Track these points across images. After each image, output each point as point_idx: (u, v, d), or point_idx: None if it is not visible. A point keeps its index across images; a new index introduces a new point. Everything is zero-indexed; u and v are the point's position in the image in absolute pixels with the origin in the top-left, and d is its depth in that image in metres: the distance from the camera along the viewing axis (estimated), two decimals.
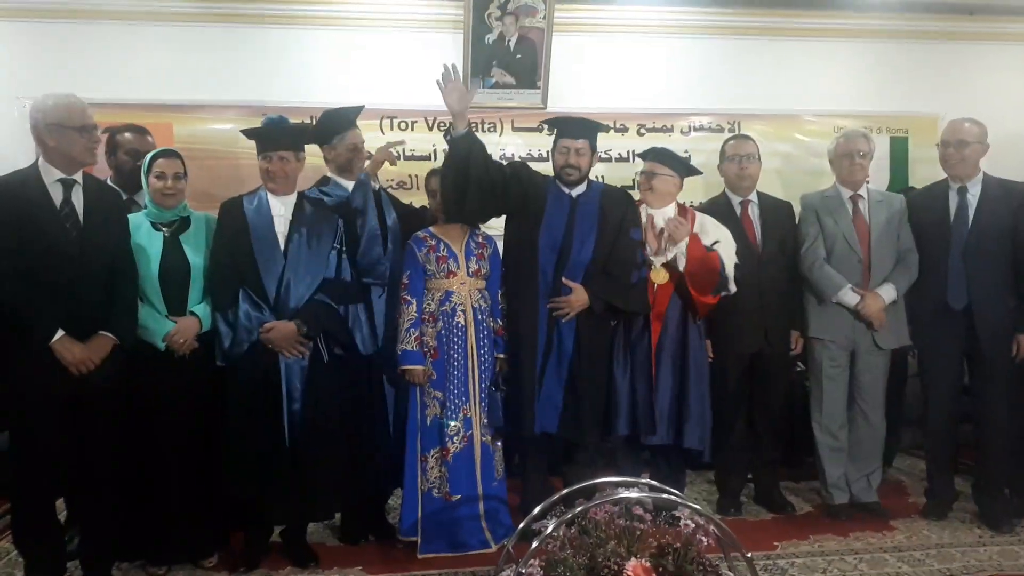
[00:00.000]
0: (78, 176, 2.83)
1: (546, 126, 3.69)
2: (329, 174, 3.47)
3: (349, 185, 3.43)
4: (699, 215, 3.60)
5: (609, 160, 4.86)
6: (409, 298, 3.30)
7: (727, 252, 3.48)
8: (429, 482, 3.26)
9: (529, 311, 3.35)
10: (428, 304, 3.33)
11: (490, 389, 3.35)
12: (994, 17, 5.22)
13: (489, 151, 3.38)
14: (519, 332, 3.37)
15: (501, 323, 3.42)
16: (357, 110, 3.48)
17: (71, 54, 4.51)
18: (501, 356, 3.40)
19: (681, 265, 3.40)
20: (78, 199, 2.81)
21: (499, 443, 3.40)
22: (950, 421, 3.68)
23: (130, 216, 3.09)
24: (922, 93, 5.17)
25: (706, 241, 3.45)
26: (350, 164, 3.43)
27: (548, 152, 4.83)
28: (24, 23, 4.54)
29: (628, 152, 4.88)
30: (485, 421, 3.33)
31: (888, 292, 3.62)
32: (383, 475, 3.39)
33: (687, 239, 3.41)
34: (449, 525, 3.26)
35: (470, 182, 3.24)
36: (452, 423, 3.26)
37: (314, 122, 4.46)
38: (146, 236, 3.07)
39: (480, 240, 3.44)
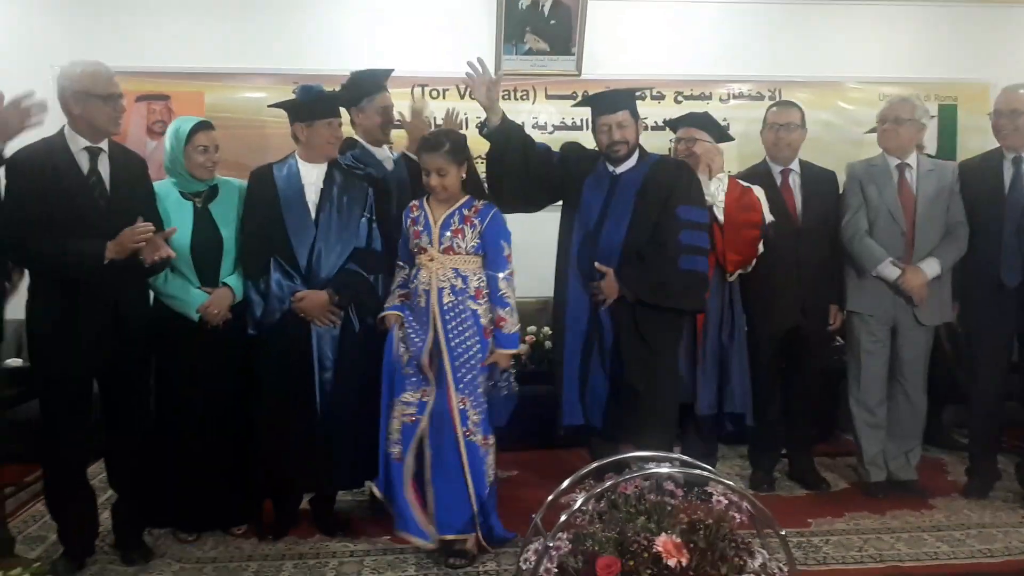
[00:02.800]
0: (104, 144, 2.82)
1: (583, 105, 3.38)
2: (357, 138, 3.41)
3: (377, 152, 3.38)
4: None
5: (645, 128, 4.75)
6: (401, 263, 3.16)
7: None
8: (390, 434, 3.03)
9: (559, 298, 3.25)
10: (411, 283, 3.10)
11: (488, 388, 3.02)
12: None
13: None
14: (555, 320, 3.28)
15: (502, 312, 3.02)
16: (386, 72, 3.41)
17: (102, 22, 4.52)
18: (503, 351, 3.02)
19: (720, 199, 3.29)
20: (104, 167, 2.80)
21: (490, 445, 3.04)
22: (996, 400, 3.57)
23: (156, 184, 3.08)
24: (972, 59, 5.00)
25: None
26: (379, 129, 3.38)
27: (582, 121, 4.80)
28: None
29: (664, 121, 4.77)
30: (475, 419, 2.99)
31: (931, 267, 3.50)
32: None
33: (726, 177, 3.34)
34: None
35: (505, 173, 3.16)
36: (407, 393, 3.00)
37: None
38: (175, 207, 3.06)
39: (468, 213, 3.03)
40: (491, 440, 3.05)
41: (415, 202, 3.13)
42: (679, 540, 1.89)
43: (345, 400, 3.10)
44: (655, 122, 4.79)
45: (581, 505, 1.98)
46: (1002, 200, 3.45)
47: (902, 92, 4.29)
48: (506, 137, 3.16)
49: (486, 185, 3.22)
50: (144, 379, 3.00)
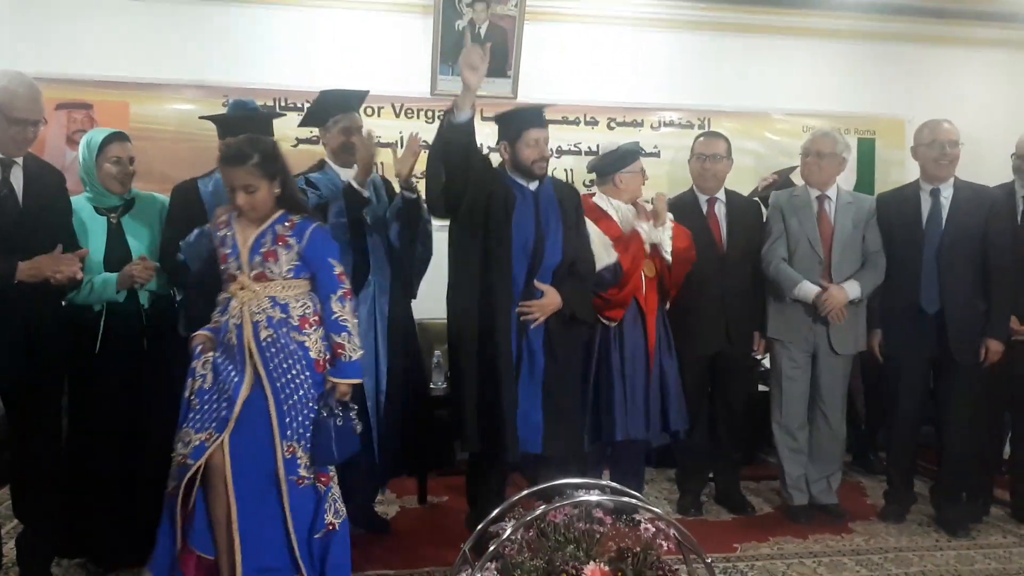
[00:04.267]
0: (18, 157, 2.71)
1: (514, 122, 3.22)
2: (326, 159, 3.33)
3: (342, 172, 3.26)
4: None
5: (579, 153, 4.82)
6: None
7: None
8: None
9: (503, 322, 3.04)
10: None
11: (319, 416, 2.56)
12: (963, 21, 5.25)
13: None
14: (493, 347, 3.03)
15: (339, 338, 2.60)
16: (358, 94, 3.32)
17: (24, 26, 4.33)
18: (341, 381, 2.60)
19: (668, 246, 3.38)
20: (17, 180, 2.70)
21: (331, 484, 2.63)
22: (914, 425, 3.68)
23: (72, 198, 2.96)
24: (890, 95, 5.20)
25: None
26: (343, 149, 3.27)
27: None
28: None
29: (598, 146, 4.83)
30: (308, 462, 2.57)
31: (852, 288, 3.57)
32: (370, 467, 3.18)
33: (671, 219, 3.44)
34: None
35: (470, 173, 3.01)
36: (187, 430, 2.53)
37: (277, 105, 4.39)
38: (89, 222, 2.96)
39: (282, 231, 2.59)
40: (330, 474, 2.64)
41: (223, 217, 2.68)
42: (607, 568, 1.89)
43: None
44: (588, 147, 4.85)
45: (510, 534, 1.96)
46: (920, 230, 3.55)
47: (825, 125, 4.45)
48: (468, 133, 3.00)
49: (424, 183, 3.11)
50: (55, 399, 2.87)
